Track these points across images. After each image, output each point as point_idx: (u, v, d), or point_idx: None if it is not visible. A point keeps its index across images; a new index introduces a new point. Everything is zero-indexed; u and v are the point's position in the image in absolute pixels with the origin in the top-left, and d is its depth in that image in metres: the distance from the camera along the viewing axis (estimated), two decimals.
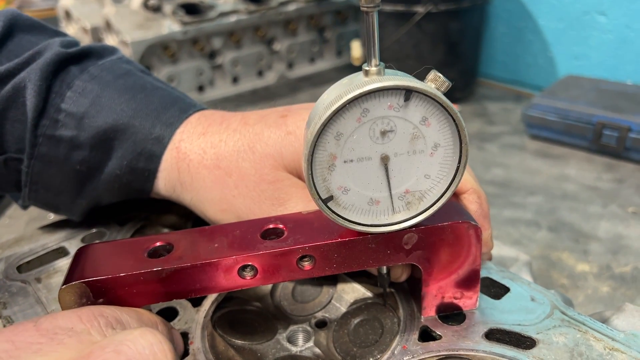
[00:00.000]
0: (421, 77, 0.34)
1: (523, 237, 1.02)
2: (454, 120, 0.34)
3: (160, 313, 0.45)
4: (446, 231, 0.39)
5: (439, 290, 0.42)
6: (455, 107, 0.34)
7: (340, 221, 0.36)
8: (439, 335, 0.41)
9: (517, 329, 0.41)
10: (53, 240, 0.57)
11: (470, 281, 0.42)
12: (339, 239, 0.38)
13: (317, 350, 0.44)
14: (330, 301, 0.48)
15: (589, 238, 1.00)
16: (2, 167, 0.53)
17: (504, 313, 0.43)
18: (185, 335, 0.43)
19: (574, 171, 1.25)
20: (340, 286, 0.49)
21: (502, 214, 1.10)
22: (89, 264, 0.38)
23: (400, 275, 0.44)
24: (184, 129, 0.52)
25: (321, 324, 0.47)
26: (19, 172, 0.53)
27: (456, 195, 0.46)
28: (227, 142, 0.50)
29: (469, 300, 0.43)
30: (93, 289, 0.37)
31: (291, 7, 1.83)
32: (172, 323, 0.44)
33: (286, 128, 0.48)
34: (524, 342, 0.40)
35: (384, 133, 0.34)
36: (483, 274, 0.48)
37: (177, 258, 0.38)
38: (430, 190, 0.37)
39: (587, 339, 0.40)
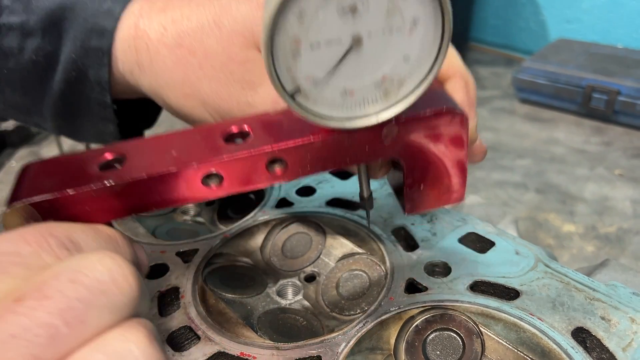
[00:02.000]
0: None
1: (511, 198, 1.03)
2: None
3: (150, 269, 0.46)
4: (429, 121, 0.35)
5: (423, 185, 0.38)
6: None
7: (311, 117, 0.31)
8: (425, 287, 0.42)
9: (501, 281, 0.42)
10: None
11: (456, 173, 0.39)
12: (312, 138, 0.34)
13: (306, 303, 0.45)
14: (319, 256, 0.49)
15: (576, 200, 1.02)
16: None
17: (489, 266, 0.44)
18: (176, 290, 0.44)
19: (562, 134, 1.25)
20: (329, 242, 0.50)
21: (491, 177, 1.11)
22: (35, 182, 0.34)
23: (379, 171, 0.41)
24: (142, 4, 0.47)
25: (310, 278, 0.47)
26: None
27: (440, 82, 0.41)
28: (190, 18, 0.44)
29: (455, 194, 0.39)
30: (41, 211, 0.32)
31: None
32: (162, 278, 0.45)
33: (258, 0, 0.43)
34: (507, 293, 0.41)
35: (353, 8, 0.28)
36: (468, 229, 0.49)
37: (130, 170, 0.34)
38: (410, 75, 0.32)
39: (569, 290, 0.41)
